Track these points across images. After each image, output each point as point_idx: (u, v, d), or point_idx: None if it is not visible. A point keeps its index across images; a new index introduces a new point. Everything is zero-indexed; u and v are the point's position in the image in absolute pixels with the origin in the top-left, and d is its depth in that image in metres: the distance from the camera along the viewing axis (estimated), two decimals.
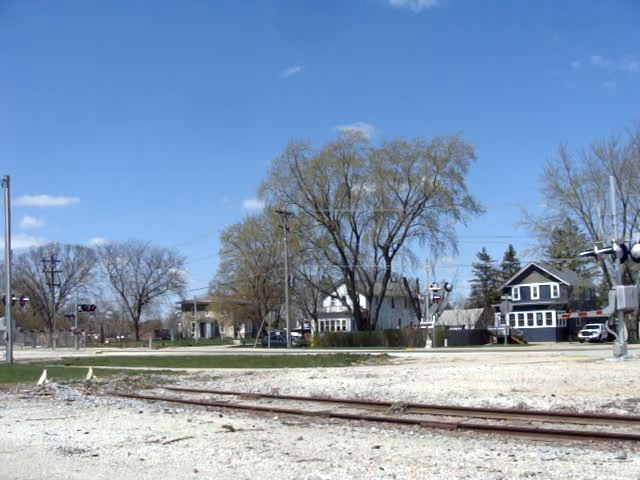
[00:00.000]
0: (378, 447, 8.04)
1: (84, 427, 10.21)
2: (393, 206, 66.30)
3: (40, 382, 18.88)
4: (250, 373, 21.84)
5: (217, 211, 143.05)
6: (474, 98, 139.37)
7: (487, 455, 7.43)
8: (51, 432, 9.78)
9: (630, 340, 29.98)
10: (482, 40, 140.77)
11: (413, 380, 17.24)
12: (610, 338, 38.96)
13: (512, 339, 55.55)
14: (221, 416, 11.53)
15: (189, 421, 10.75)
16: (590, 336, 54.36)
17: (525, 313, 62.63)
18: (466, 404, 12.57)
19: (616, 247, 24.92)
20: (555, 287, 63.89)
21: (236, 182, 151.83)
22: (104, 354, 46.22)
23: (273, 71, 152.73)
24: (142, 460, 7.59)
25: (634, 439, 8.46)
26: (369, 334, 61.80)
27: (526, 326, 61.44)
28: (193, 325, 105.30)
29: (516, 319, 62.01)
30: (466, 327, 71.64)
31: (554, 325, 60.96)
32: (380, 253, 67.06)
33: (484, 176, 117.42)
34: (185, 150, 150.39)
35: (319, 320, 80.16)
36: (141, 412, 12.24)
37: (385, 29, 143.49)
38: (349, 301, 69.36)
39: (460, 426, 9.99)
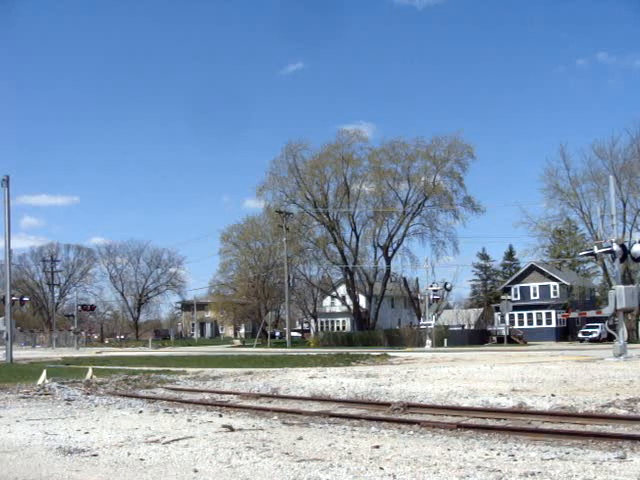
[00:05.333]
0: (378, 447, 8.04)
1: (84, 427, 10.21)
2: (393, 206, 66.31)
3: (40, 382, 18.86)
4: (250, 373, 21.84)
5: (217, 211, 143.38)
6: (474, 98, 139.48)
7: (487, 455, 7.43)
8: (51, 432, 9.78)
9: (630, 340, 29.97)
10: (484, 39, 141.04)
11: (413, 380, 17.24)
12: (610, 338, 38.94)
13: (512, 339, 55.52)
14: (221, 416, 11.52)
15: (189, 421, 10.75)
16: (590, 336, 54.31)
17: (525, 313, 62.57)
18: (466, 404, 12.56)
19: (616, 247, 24.93)
20: (555, 287, 63.86)
21: (236, 182, 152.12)
22: (104, 354, 46.21)
23: (273, 70, 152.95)
24: (142, 460, 7.59)
25: (634, 439, 8.45)
26: (369, 334, 61.76)
27: (526, 326, 61.39)
28: (193, 325, 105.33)
29: (516, 319, 61.95)
30: (466, 327, 71.65)
31: (554, 325, 60.92)
32: (380, 253, 67.12)
33: (484, 176, 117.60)
34: (185, 150, 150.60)
35: (319, 320, 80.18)
36: (141, 412, 12.24)
37: (386, 28, 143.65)
38: (349, 301, 69.32)
39: (460, 426, 9.99)
